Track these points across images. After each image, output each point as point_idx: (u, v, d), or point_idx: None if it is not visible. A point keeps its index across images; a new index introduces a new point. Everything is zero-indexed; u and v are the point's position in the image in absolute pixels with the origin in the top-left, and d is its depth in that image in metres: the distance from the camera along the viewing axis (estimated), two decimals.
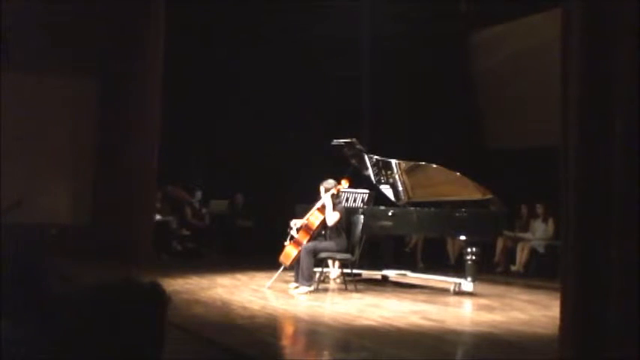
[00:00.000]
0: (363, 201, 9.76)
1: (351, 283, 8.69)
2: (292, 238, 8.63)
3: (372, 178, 9.75)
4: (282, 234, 8.89)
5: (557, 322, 4.67)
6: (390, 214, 9.05)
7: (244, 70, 12.95)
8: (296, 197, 10.02)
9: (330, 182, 8.76)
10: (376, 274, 9.73)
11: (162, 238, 11.68)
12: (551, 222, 11.17)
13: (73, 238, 10.78)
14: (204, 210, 13.07)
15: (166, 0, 11.17)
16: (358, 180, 9.82)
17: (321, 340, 6.13)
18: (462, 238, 8.81)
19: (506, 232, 10.93)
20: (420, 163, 9.22)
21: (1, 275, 2.13)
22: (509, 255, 11.64)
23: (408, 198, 9.62)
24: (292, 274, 8.67)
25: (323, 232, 8.75)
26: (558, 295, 4.80)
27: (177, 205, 12.79)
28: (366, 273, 9.60)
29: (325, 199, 8.63)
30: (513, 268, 11.43)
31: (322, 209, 8.68)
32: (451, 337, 6.17)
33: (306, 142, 12.39)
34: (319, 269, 8.70)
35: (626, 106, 4.07)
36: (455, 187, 8.98)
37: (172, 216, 12.47)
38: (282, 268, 8.60)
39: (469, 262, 8.62)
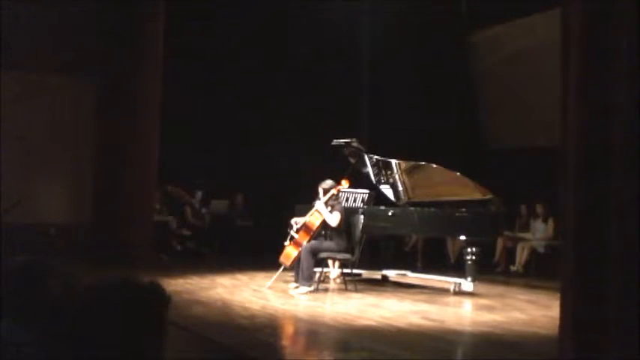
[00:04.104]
0: (363, 201, 9.76)
1: (351, 283, 8.69)
2: (292, 238, 8.63)
3: (372, 178, 9.74)
4: (282, 234, 8.89)
5: (557, 322, 4.67)
6: (390, 214, 9.04)
7: (244, 70, 12.94)
8: (296, 197, 10.01)
9: (329, 183, 8.75)
10: (376, 274, 9.73)
11: (162, 238, 11.68)
12: (551, 222, 11.18)
13: (73, 238, 10.78)
14: (204, 210, 13.07)
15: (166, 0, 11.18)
16: (358, 180, 9.81)
17: (321, 340, 6.13)
18: (462, 238, 8.81)
19: (506, 232, 10.94)
20: (420, 163, 9.22)
21: (1, 275, 2.13)
22: (509, 255, 11.64)
23: (408, 198, 9.62)
24: (292, 274, 8.67)
25: (323, 233, 8.75)
26: (558, 295, 4.80)
27: (178, 205, 12.79)
28: (366, 273, 9.60)
29: (319, 206, 8.60)
30: (513, 268, 11.43)
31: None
32: (451, 337, 6.17)
33: (306, 141, 12.38)
34: (319, 269, 8.70)
35: (626, 106, 4.07)
36: (455, 187, 8.99)
37: (172, 216, 12.47)
38: (282, 268, 8.60)
39: (469, 262, 8.62)
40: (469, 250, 8.63)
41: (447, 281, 8.93)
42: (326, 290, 8.84)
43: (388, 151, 9.69)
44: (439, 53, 13.21)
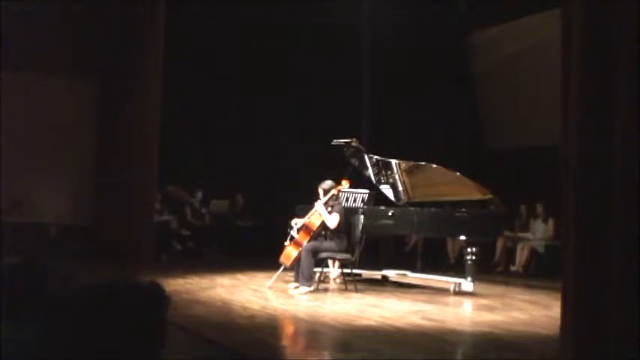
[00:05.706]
0: (363, 201, 9.76)
1: (351, 283, 8.69)
2: (292, 238, 8.63)
3: (372, 178, 9.75)
4: (282, 234, 8.89)
5: (557, 322, 4.67)
6: (390, 214, 9.05)
7: (244, 70, 12.95)
8: (296, 197, 10.01)
9: (329, 183, 8.75)
10: (376, 274, 9.73)
11: (162, 238, 11.68)
12: (551, 222, 11.18)
13: (73, 238, 10.78)
14: (204, 210, 13.07)
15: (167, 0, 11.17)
16: (358, 180, 9.81)
17: (321, 340, 6.13)
18: (462, 238, 8.81)
19: (506, 232, 10.94)
20: (420, 163, 9.22)
21: (1, 275, 2.13)
22: (509, 255, 11.64)
23: (408, 198, 9.62)
24: (292, 274, 8.67)
25: (323, 233, 8.75)
26: (558, 295, 4.81)
27: (178, 205, 12.79)
28: (366, 273, 9.60)
29: (318, 206, 8.60)
30: (513, 268, 11.44)
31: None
32: (451, 337, 6.17)
33: (306, 141, 12.39)
34: (319, 269, 8.70)
35: (626, 106, 4.07)
36: (455, 187, 8.99)
37: (172, 216, 12.47)
38: (282, 268, 8.60)
39: (469, 262, 8.63)
40: (469, 250, 8.64)
41: (447, 281, 8.93)
42: (326, 290, 8.84)
43: (388, 150, 9.69)
44: (439, 53, 13.21)
